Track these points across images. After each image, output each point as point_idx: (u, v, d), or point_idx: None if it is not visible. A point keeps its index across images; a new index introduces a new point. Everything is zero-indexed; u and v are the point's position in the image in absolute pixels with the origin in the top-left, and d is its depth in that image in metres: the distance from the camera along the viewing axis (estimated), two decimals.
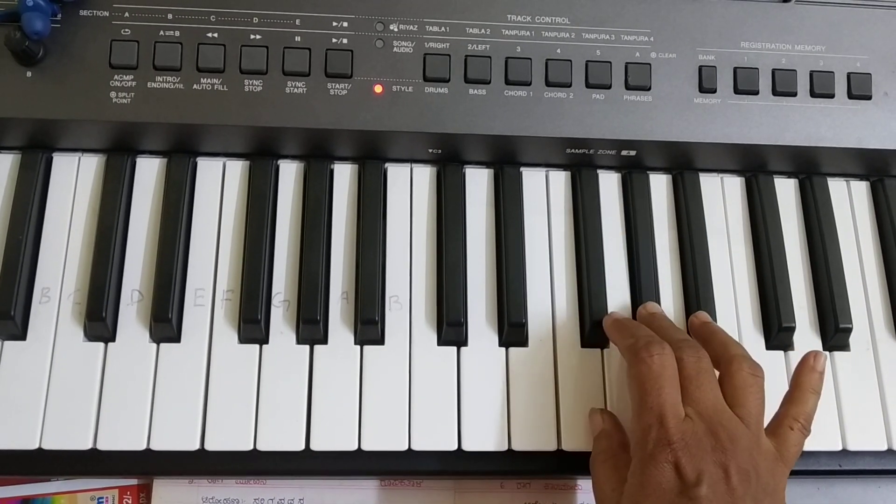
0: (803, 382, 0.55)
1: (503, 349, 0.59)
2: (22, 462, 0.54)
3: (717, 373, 0.54)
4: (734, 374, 0.53)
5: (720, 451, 0.49)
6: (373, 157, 0.62)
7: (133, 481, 0.60)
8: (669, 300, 0.61)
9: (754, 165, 0.65)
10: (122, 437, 0.54)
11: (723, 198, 0.65)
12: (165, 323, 0.56)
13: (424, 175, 0.63)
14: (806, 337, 0.61)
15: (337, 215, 0.61)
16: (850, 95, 0.62)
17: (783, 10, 0.63)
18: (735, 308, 0.61)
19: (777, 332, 0.60)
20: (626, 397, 0.57)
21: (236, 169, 0.61)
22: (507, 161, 0.63)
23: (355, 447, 0.55)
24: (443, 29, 0.60)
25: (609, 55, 0.61)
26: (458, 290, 0.58)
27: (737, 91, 0.62)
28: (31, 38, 0.55)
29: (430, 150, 0.62)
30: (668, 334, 0.55)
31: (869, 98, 0.63)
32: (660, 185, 0.64)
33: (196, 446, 0.54)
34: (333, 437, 0.55)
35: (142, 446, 0.54)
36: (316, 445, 0.55)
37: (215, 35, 0.59)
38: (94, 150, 0.61)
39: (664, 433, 0.49)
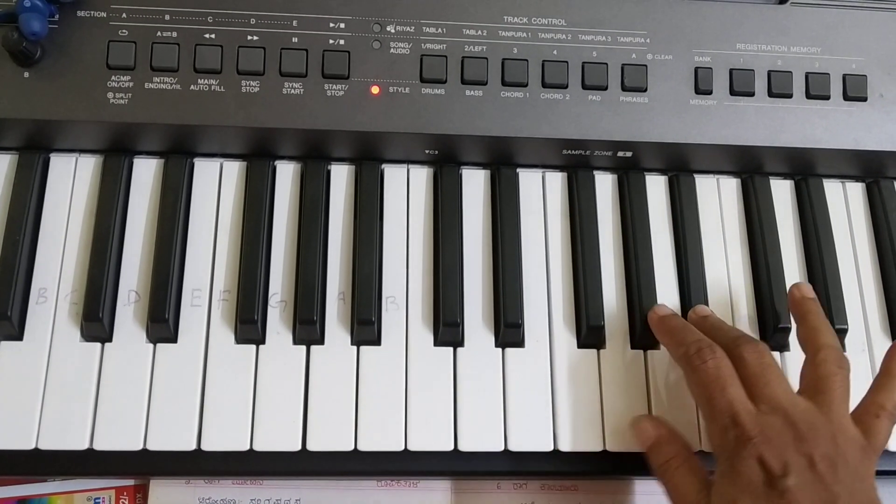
0: (891, 369, 0.55)
1: (499, 350, 0.59)
2: (18, 462, 0.54)
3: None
4: (819, 364, 0.53)
5: (801, 440, 0.49)
6: (369, 158, 0.62)
7: (130, 482, 0.60)
8: (665, 301, 0.61)
9: (750, 167, 0.65)
10: (119, 437, 0.54)
11: (719, 199, 0.65)
12: (162, 323, 0.56)
13: (421, 176, 0.63)
14: None
15: (334, 216, 0.61)
16: (846, 97, 0.63)
17: (779, 12, 0.63)
18: (730, 308, 0.61)
19: (773, 333, 0.60)
20: (622, 399, 0.58)
21: (233, 170, 0.61)
22: (503, 162, 0.63)
23: (352, 448, 0.55)
24: (439, 30, 0.60)
25: (605, 57, 0.61)
26: (454, 290, 0.58)
27: (732, 92, 0.62)
28: (29, 39, 0.55)
29: (427, 152, 0.62)
30: (722, 333, 0.55)
31: (864, 100, 0.63)
32: (656, 187, 0.64)
33: (193, 446, 0.54)
34: (330, 438, 0.55)
35: (138, 446, 0.54)
36: (312, 446, 0.55)
37: (212, 36, 0.59)
38: (92, 150, 0.61)
39: (741, 430, 0.50)
